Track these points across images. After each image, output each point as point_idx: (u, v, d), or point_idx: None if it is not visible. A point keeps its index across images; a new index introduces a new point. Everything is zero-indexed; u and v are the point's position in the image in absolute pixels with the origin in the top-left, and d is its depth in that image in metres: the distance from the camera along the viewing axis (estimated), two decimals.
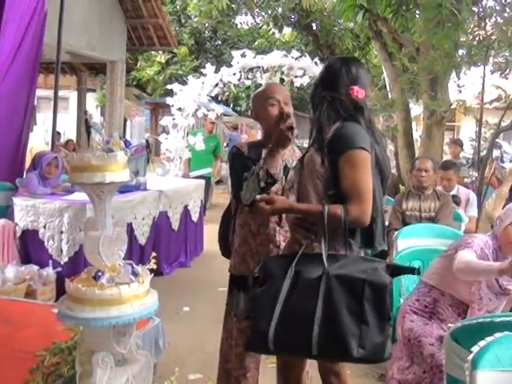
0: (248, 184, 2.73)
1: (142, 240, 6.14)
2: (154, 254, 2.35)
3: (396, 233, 4.66)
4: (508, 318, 2.07)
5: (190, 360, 4.36)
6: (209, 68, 8.51)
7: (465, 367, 1.91)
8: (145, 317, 2.18)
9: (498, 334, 1.93)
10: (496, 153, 12.43)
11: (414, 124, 14.58)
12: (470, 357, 1.90)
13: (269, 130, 2.89)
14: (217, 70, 8.48)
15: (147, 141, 14.26)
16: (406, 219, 5.20)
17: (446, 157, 10.52)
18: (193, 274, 6.94)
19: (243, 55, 8.32)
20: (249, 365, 3.08)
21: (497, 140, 12.18)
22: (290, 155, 2.97)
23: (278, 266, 2.39)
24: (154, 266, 2.29)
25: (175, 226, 6.97)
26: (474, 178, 8.83)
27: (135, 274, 2.17)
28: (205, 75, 8.54)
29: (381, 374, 4.02)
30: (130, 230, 5.85)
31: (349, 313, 2.18)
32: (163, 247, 6.70)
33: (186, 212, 7.28)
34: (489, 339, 1.92)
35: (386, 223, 5.56)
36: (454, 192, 5.98)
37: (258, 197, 2.44)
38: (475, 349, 1.91)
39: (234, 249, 3.07)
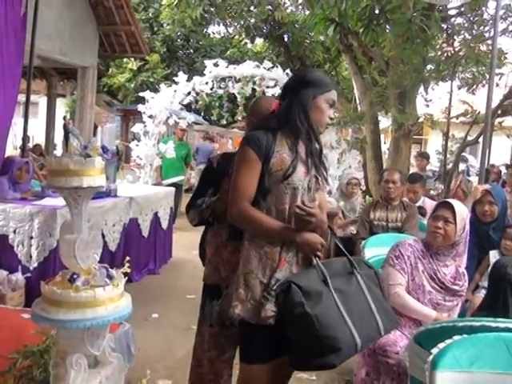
0: (195, 211, 3.06)
1: (113, 246, 6.14)
2: (127, 258, 2.39)
3: (363, 242, 4.77)
4: (469, 323, 2.17)
5: (158, 366, 4.37)
6: (181, 76, 8.58)
7: (425, 368, 2.00)
8: (119, 319, 2.23)
9: (456, 337, 2.03)
10: (462, 166, 12.70)
11: (382, 136, 14.84)
12: (430, 358, 1.99)
13: None
14: (189, 79, 8.55)
15: (117, 148, 14.20)
16: (373, 229, 5.32)
17: (413, 169, 10.73)
18: (162, 281, 6.95)
19: (216, 64, 8.41)
20: (221, 370, 3.13)
21: (463, 154, 12.46)
22: None
23: (310, 281, 2.43)
24: (128, 270, 2.33)
25: (145, 232, 6.97)
26: (440, 191, 9.05)
27: (110, 277, 2.22)
28: (177, 83, 8.60)
29: (347, 380, 4.09)
30: (101, 236, 5.84)
31: (384, 298, 2.64)
32: (133, 254, 6.68)
33: (155, 219, 7.29)
34: (448, 341, 2.02)
35: (354, 232, 5.71)
36: (419, 203, 6.13)
37: (296, 210, 2.49)
38: (435, 351, 2.00)
39: (207, 258, 3.13)
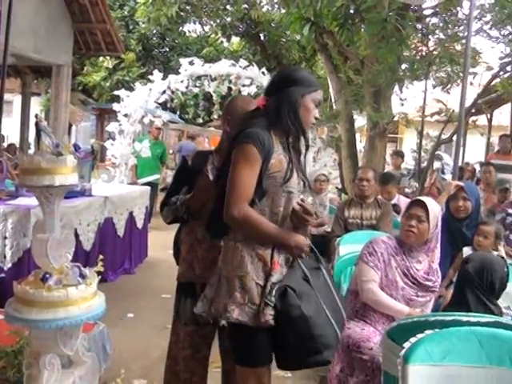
0: (169, 208, 3.02)
1: (88, 246, 6.10)
2: (101, 256, 2.38)
3: (338, 239, 4.80)
4: (441, 318, 2.20)
5: (134, 366, 4.35)
6: (156, 75, 8.54)
7: (397, 362, 2.02)
8: (92, 319, 2.22)
9: (428, 331, 2.06)
10: (437, 164, 12.82)
11: (358, 135, 14.94)
12: (402, 352, 2.02)
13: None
14: (164, 77, 8.51)
15: (92, 147, 14.09)
16: (348, 226, 5.36)
17: (388, 167, 10.83)
18: (137, 280, 6.92)
19: (191, 63, 8.39)
20: (196, 368, 3.12)
21: (438, 152, 12.60)
22: None
23: (298, 283, 2.49)
24: (101, 269, 2.32)
25: (120, 232, 6.94)
26: (414, 189, 9.14)
27: (83, 276, 2.21)
28: (152, 82, 8.56)
29: (322, 376, 4.12)
30: (75, 235, 5.77)
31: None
32: (108, 254, 6.64)
33: (131, 218, 7.25)
34: (420, 336, 2.05)
35: (329, 230, 5.75)
36: (394, 201, 6.18)
37: (296, 207, 2.51)
38: (407, 345, 2.03)
39: (181, 257, 3.13)
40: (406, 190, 9.15)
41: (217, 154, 3.09)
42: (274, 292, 2.45)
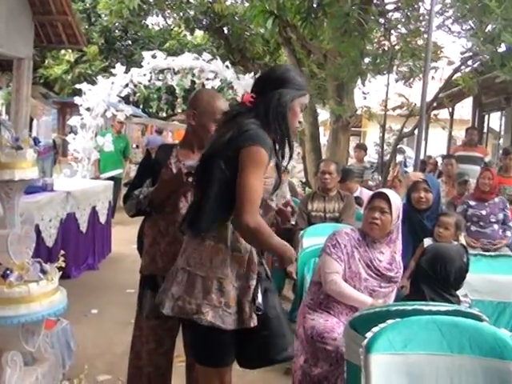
0: (132, 201, 2.99)
1: (50, 242, 6.01)
2: (62, 252, 2.35)
3: (301, 232, 4.83)
4: (402, 307, 2.23)
5: (98, 362, 4.33)
6: (118, 68, 8.44)
7: (360, 352, 2.05)
8: (54, 315, 2.19)
9: (390, 321, 2.09)
10: (400, 157, 13.02)
11: (321, 129, 15.03)
12: (365, 342, 2.05)
13: (199, 138, 3.01)
14: (127, 71, 8.42)
15: (54, 141, 13.85)
16: (311, 219, 5.40)
17: (352, 160, 10.93)
18: (101, 276, 6.86)
19: (154, 56, 8.32)
20: (160, 362, 3.12)
21: (400, 145, 12.78)
22: None
23: (266, 283, 2.59)
24: (63, 264, 2.29)
25: (83, 227, 6.85)
26: (377, 182, 9.25)
27: (44, 272, 2.18)
28: (114, 75, 8.46)
29: (287, 367, 4.14)
30: (37, 231, 5.69)
31: None
32: (71, 249, 6.57)
33: (93, 213, 7.17)
34: (382, 325, 2.08)
35: (293, 223, 5.76)
36: (357, 193, 6.26)
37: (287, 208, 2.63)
38: (369, 335, 2.06)
39: (144, 250, 3.11)
40: (370, 182, 9.25)
41: (181, 148, 3.09)
42: (259, 295, 2.47)
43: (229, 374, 2.62)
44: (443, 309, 2.21)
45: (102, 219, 7.46)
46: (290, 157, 2.58)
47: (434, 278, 2.88)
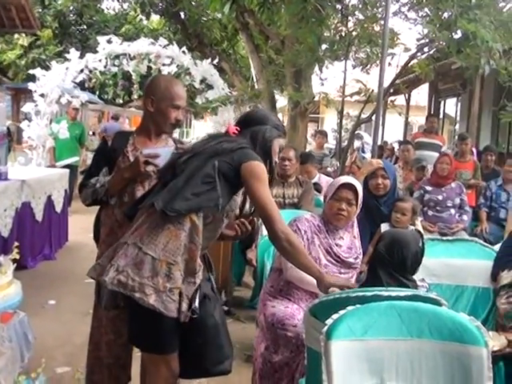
0: (88, 190, 2.96)
1: (5, 232, 5.86)
2: (16, 243, 2.28)
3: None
4: (362, 293, 2.24)
5: (57, 353, 4.27)
6: (73, 53, 8.26)
7: (320, 338, 2.05)
8: (9, 308, 2.13)
9: (350, 307, 2.10)
10: (357, 143, 13.12)
11: (280, 115, 15.02)
12: (325, 329, 2.05)
13: (157, 125, 3.00)
14: (82, 56, 8.24)
15: (8, 128, 13.52)
16: None
17: (311, 147, 10.96)
18: (58, 266, 6.74)
19: (109, 41, 8.16)
20: (120, 353, 3.09)
21: (358, 131, 12.87)
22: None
23: (209, 290, 2.65)
24: (17, 256, 2.23)
25: (39, 217, 6.71)
26: (336, 167, 9.30)
27: None
28: (69, 60, 8.28)
29: (248, 355, 4.15)
30: None
31: None
32: (27, 239, 6.45)
33: (49, 202, 7.02)
34: (342, 312, 2.09)
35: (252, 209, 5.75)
36: (315, 180, 6.29)
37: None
38: (329, 321, 2.06)
39: (101, 239, 3.06)
40: (329, 169, 9.30)
41: (138, 135, 3.05)
42: (197, 298, 2.49)
43: (175, 360, 2.62)
44: (402, 294, 2.22)
45: (58, 208, 7.32)
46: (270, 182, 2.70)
47: (391, 262, 2.89)
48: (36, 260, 6.68)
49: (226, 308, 5.44)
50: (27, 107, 8.55)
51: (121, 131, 3.34)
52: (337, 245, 3.38)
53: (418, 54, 8.43)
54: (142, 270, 2.43)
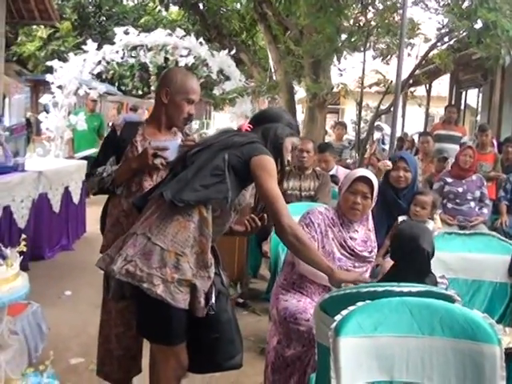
0: (95, 179, 2.96)
1: (22, 223, 5.89)
2: (23, 236, 2.27)
3: None
4: (373, 288, 2.19)
5: (72, 344, 4.29)
6: (90, 45, 8.25)
7: (329, 335, 2.01)
8: (15, 300, 2.12)
9: (360, 303, 2.06)
10: (378, 135, 12.99)
11: (300, 107, 14.94)
12: (334, 325, 2.01)
13: (169, 117, 2.98)
14: (99, 47, 8.24)
15: (28, 120, 13.62)
16: (286, 198, 5.31)
17: (330, 138, 10.87)
18: (75, 256, 6.77)
19: (126, 32, 8.14)
20: (130, 345, 3.09)
21: (378, 123, 12.74)
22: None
23: (220, 286, 2.66)
24: (24, 249, 2.21)
25: (56, 208, 6.75)
26: (355, 159, 9.22)
27: (3, 257, 2.11)
28: (86, 52, 8.29)
29: (262, 348, 4.13)
30: (9, 213, 5.61)
31: None
32: (44, 230, 6.49)
33: (67, 194, 7.07)
34: (351, 308, 2.05)
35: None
36: (333, 172, 6.23)
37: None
38: (338, 317, 2.02)
39: (106, 229, 3.06)
40: (348, 160, 9.22)
41: (148, 126, 3.03)
42: (213, 294, 2.51)
43: (184, 352, 2.62)
44: (414, 290, 2.17)
45: (76, 199, 7.36)
46: (281, 182, 2.82)
47: (404, 256, 2.85)
48: (54, 251, 6.73)
49: (241, 300, 5.45)
50: (45, 99, 8.59)
51: (130, 121, 3.32)
52: (351, 238, 3.32)
53: (438, 44, 8.29)
54: (151, 261, 2.42)
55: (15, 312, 3.24)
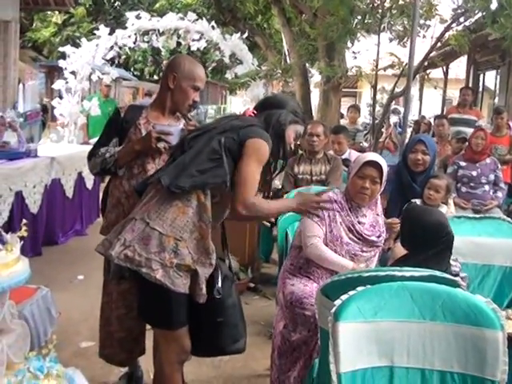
0: (97, 159, 2.97)
1: (34, 208, 5.95)
2: (24, 221, 2.27)
3: (285, 196, 4.75)
4: (374, 273, 2.17)
5: (82, 328, 4.33)
6: (102, 30, 8.23)
7: (328, 320, 1.99)
8: (15, 285, 2.11)
9: (360, 288, 2.03)
10: (395, 118, 12.87)
11: (317, 90, 14.81)
12: (333, 310, 1.99)
13: (174, 102, 2.99)
14: (111, 32, 8.22)
15: (45, 106, 13.64)
16: (298, 183, 5.32)
17: (345, 122, 10.78)
18: (88, 241, 6.76)
19: (138, 17, 8.11)
20: (132, 327, 3.11)
21: (396, 106, 12.62)
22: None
23: (226, 269, 2.67)
24: (25, 234, 2.21)
25: (69, 193, 6.79)
26: (370, 143, 9.15)
27: (3, 242, 2.10)
28: (99, 37, 8.27)
29: (271, 332, 4.12)
30: (21, 198, 5.66)
31: None
32: (57, 215, 6.53)
33: (80, 179, 7.10)
34: (351, 293, 2.02)
35: (280, 187, 5.71)
36: (346, 156, 6.16)
37: None
38: (338, 302, 2.00)
39: (107, 210, 3.07)
40: (364, 144, 9.15)
41: (152, 109, 3.03)
42: (219, 278, 2.52)
43: (186, 336, 2.62)
44: (417, 274, 2.15)
45: (89, 185, 7.39)
46: (283, 168, 2.87)
47: (412, 240, 2.82)
48: (67, 236, 6.77)
49: (252, 285, 5.46)
50: (58, 84, 8.58)
51: (134, 104, 3.34)
52: (359, 222, 3.29)
53: (453, 24, 8.16)
54: (149, 246, 2.44)
55: (24, 297, 3.27)
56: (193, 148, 2.54)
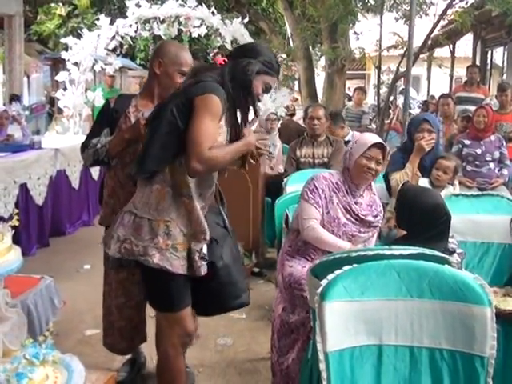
0: (90, 150, 2.97)
1: (40, 200, 5.99)
2: (16, 210, 2.30)
3: (286, 179, 4.75)
4: (363, 253, 2.16)
5: (87, 316, 4.37)
6: (103, 20, 8.22)
7: (314, 300, 2.00)
8: (7, 273, 2.15)
9: (346, 267, 2.03)
10: (403, 99, 12.77)
11: (323, 74, 14.72)
12: (319, 290, 1.99)
13: (162, 88, 2.97)
14: (112, 22, 8.20)
15: (53, 98, 13.67)
16: (300, 166, 5.32)
17: (350, 104, 10.72)
18: (95, 231, 6.72)
19: (138, 5, 8.08)
20: (132, 316, 3.13)
21: (404, 86, 12.47)
22: None
23: (217, 231, 2.64)
24: (17, 223, 2.24)
25: (75, 184, 6.84)
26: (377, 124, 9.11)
27: None
28: (100, 28, 8.26)
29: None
30: (25, 190, 5.70)
31: None
32: (64, 207, 6.59)
33: (86, 170, 7.13)
34: (337, 272, 2.02)
35: (282, 171, 5.71)
36: (348, 137, 6.14)
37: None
38: (324, 282, 2.00)
39: (104, 200, 3.09)
40: (373, 125, 9.10)
41: (141, 97, 3.04)
42: (204, 248, 2.50)
43: (189, 317, 2.64)
44: (406, 252, 2.13)
45: (95, 175, 7.43)
46: (256, 115, 2.64)
47: (407, 218, 2.82)
48: (75, 226, 6.84)
49: (257, 269, 5.48)
50: (61, 76, 8.58)
51: (123, 93, 3.35)
52: (356, 203, 3.29)
53: (456, 1, 8.05)
54: (142, 234, 2.46)
55: (28, 286, 3.31)
56: (151, 127, 2.52)
